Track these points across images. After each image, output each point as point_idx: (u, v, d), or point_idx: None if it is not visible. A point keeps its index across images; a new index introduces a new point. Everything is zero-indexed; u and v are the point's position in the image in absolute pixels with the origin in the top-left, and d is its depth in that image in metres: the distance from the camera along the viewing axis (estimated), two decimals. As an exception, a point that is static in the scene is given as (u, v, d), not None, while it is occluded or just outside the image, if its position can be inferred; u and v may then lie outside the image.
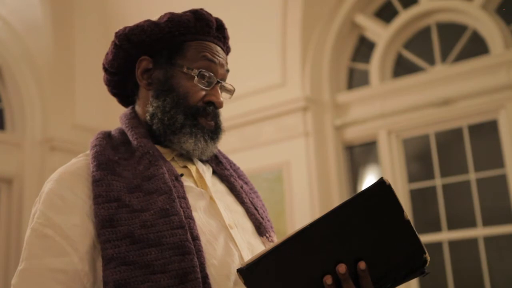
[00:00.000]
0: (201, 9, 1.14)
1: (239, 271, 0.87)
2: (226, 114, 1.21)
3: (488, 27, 3.48)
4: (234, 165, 1.25)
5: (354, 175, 3.91)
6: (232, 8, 3.89)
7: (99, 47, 4.15)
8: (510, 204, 3.27)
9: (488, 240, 3.35)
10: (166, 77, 1.10)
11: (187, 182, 1.08)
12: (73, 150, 4.02)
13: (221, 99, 1.12)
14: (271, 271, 0.88)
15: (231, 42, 1.21)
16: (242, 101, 3.84)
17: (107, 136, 1.11)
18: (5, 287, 3.82)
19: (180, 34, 1.11)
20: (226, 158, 1.25)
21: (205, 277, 0.92)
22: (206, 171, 1.15)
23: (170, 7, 1.33)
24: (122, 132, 1.12)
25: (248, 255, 1.02)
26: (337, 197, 3.70)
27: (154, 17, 1.14)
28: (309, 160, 3.72)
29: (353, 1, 3.92)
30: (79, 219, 0.97)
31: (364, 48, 4.04)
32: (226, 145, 1.21)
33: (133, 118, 1.13)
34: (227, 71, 1.16)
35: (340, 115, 3.90)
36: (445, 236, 3.48)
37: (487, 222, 3.36)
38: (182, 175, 1.08)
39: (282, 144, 3.85)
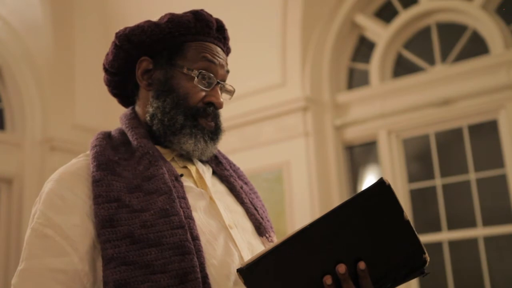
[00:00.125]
0: (201, 10, 1.14)
1: (239, 271, 0.87)
2: (226, 114, 1.21)
3: (488, 27, 3.48)
4: (234, 165, 1.26)
5: (354, 175, 3.91)
6: (232, 8, 3.89)
7: (99, 47, 4.15)
8: (510, 204, 3.27)
9: (488, 240, 3.35)
10: (166, 78, 1.10)
11: (187, 182, 1.08)
12: (73, 150, 4.03)
13: (221, 99, 1.13)
14: (271, 271, 0.88)
15: (231, 42, 1.22)
16: (242, 101, 3.84)
17: (107, 137, 1.11)
18: (5, 287, 3.82)
19: (180, 35, 1.11)
20: (226, 158, 1.25)
21: (205, 277, 0.93)
22: (206, 171, 1.15)
23: (170, 7, 1.33)
24: (122, 133, 1.12)
25: (248, 255, 1.02)
26: (337, 197, 3.70)
27: (154, 17, 1.14)
28: (309, 160, 3.72)
29: (353, 1, 3.92)
30: (79, 219, 0.97)
31: (364, 48, 4.04)
32: (226, 145, 1.21)
33: (133, 119, 1.13)
34: (227, 72, 1.16)
35: (340, 115, 3.90)
36: (445, 236, 3.48)
37: (487, 222, 3.36)
38: (182, 175, 1.08)
39: (282, 144, 3.85)
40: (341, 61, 4.05)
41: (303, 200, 3.66)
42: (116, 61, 1.14)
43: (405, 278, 0.91)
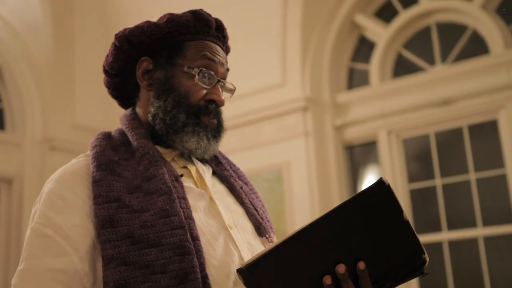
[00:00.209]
0: (200, 9, 1.14)
1: (239, 271, 0.88)
2: (226, 114, 1.21)
3: (488, 27, 3.48)
4: (234, 165, 1.26)
5: (354, 175, 3.91)
6: (232, 8, 3.89)
7: (99, 47, 4.15)
8: (510, 204, 3.27)
9: (488, 240, 3.35)
10: (167, 77, 1.10)
11: (187, 182, 1.08)
12: (73, 150, 4.03)
13: (223, 97, 1.13)
14: (271, 271, 0.88)
15: (231, 42, 1.22)
16: (242, 101, 3.84)
17: (107, 137, 1.11)
18: (5, 287, 3.82)
19: (180, 34, 1.11)
20: (226, 158, 1.25)
21: (205, 277, 0.93)
22: (206, 171, 1.15)
23: (170, 7, 1.33)
24: (122, 133, 1.12)
25: (248, 255, 1.02)
26: (337, 197, 3.70)
27: (154, 18, 1.15)
28: (309, 160, 3.72)
29: (353, 1, 3.92)
30: (79, 219, 0.97)
31: (364, 48, 4.04)
32: (226, 145, 1.21)
33: (134, 119, 1.13)
34: (227, 70, 1.16)
35: (340, 115, 3.91)
36: (445, 236, 3.48)
37: (487, 222, 3.36)
38: (182, 175, 1.08)
39: (282, 144, 3.85)
40: (341, 61, 4.05)
41: (303, 200, 3.67)
42: (116, 62, 1.14)
43: (405, 278, 0.91)
